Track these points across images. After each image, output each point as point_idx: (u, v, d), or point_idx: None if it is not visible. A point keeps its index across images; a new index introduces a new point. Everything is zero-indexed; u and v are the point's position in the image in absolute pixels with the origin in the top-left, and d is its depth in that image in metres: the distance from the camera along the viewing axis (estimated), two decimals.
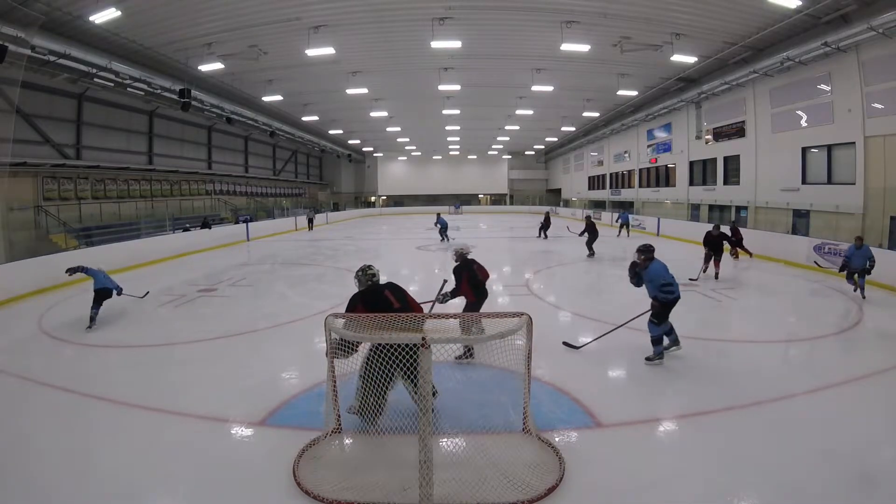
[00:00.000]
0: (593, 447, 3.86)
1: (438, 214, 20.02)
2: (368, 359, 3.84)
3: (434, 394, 4.04)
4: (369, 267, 4.51)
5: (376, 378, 3.69)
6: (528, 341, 3.63)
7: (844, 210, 13.33)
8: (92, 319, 7.34)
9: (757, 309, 8.44)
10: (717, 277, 10.77)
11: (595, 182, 35.09)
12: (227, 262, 14.67)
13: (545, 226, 20.27)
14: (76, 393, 4.92)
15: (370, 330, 3.52)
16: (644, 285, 5.58)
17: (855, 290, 8.91)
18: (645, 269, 5.48)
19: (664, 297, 5.31)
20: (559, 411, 4.38)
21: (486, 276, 6.17)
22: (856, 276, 8.70)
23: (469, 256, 6.24)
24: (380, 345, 3.57)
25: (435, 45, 13.45)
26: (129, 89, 16.11)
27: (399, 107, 23.88)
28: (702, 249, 11.22)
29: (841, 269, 8.99)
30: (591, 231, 14.82)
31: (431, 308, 5.63)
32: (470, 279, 5.90)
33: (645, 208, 26.61)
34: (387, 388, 3.83)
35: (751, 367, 5.46)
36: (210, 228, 19.19)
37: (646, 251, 5.51)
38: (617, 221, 22.25)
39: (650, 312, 5.47)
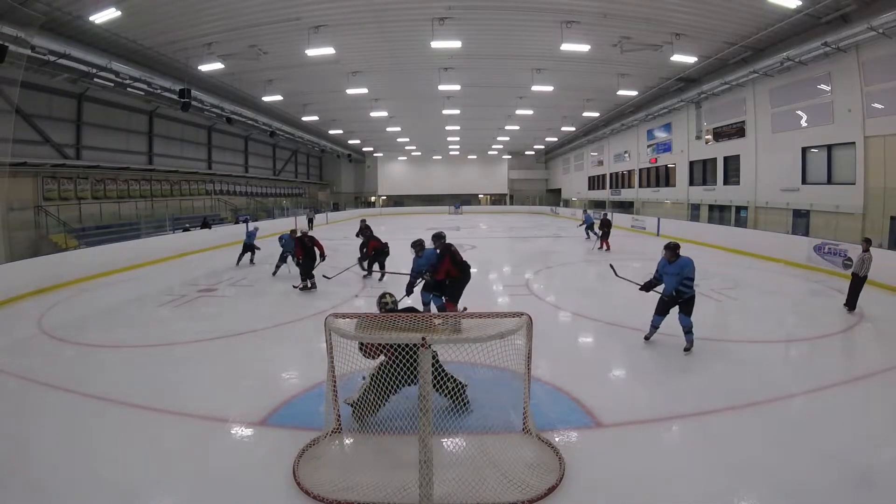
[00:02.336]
0: (593, 447, 3.86)
1: (292, 232, 11.27)
2: (384, 365, 3.91)
3: (465, 386, 4.28)
4: (382, 296, 4.71)
5: (385, 383, 3.80)
6: (528, 341, 3.64)
7: (844, 210, 13.33)
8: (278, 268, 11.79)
9: (757, 309, 8.44)
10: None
11: (595, 182, 35.10)
12: (227, 262, 14.67)
13: (363, 233, 12.44)
14: (76, 393, 4.92)
15: (370, 330, 3.52)
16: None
17: (648, 337, 6.20)
18: (419, 256, 7.29)
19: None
20: (559, 411, 4.38)
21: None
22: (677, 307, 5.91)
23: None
24: (397, 355, 3.67)
25: (435, 45, 13.44)
26: (129, 89, 16.10)
27: (399, 107, 23.88)
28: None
29: (644, 287, 6.22)
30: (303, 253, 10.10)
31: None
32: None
33: (645, 208, 26.63)
34: (390, 394, 3.95)
35: (751, 367, 5.46)
36: (210, 228, 19.19)
37: (417, 246, 7.42)
38: (581, 226, 19.52)
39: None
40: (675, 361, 5.68)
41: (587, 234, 18.65)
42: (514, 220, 32.55)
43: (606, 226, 16.06)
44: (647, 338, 6.23)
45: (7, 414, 4.54)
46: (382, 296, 4.74)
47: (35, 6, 10.71)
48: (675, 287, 5.83)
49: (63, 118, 17.15)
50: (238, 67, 16.07)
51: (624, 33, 13.89)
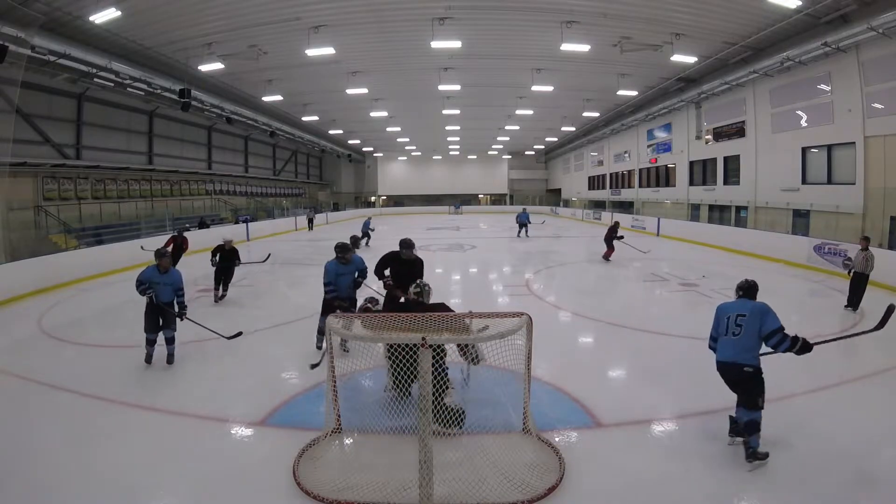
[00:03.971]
0: (593, 447, 3.86)
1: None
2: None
3: (476, 361, 4.00)
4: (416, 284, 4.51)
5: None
6: (528, 341, 3.64)
7: (844, 210, 13.34)
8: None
9: None
10: None
11: (595, 182, 35.09)
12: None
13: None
14: (76, 393, 4.92)
15: (377, 329, 3.52)
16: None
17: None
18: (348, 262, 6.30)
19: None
20: (559, 411, 4.37)
21: None
22: None
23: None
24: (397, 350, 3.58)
25: (435, 45, 13.44)
26: (129, 89, 16.10)
27: (399, 107, 23.87)
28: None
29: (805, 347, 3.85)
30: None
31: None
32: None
33: (645, 208, 26.62)
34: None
35: None
36: (208, 228, 19.19)
37: (342, 249, 6.26)
38: (516, 221, 21.40)
39: None
40: (675, 361, 5.67)
41: (518, 233, 20.24)
42: (513, 221, 32.48)
43: (614, 233, 13.42)
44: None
45: (7, 414, 4.54)
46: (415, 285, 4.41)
47: (35, 6, 10.71)
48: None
49: (63, 118, 17.15)
50: (238, 67, 16.07)
51: (624, 33, 13.89)
